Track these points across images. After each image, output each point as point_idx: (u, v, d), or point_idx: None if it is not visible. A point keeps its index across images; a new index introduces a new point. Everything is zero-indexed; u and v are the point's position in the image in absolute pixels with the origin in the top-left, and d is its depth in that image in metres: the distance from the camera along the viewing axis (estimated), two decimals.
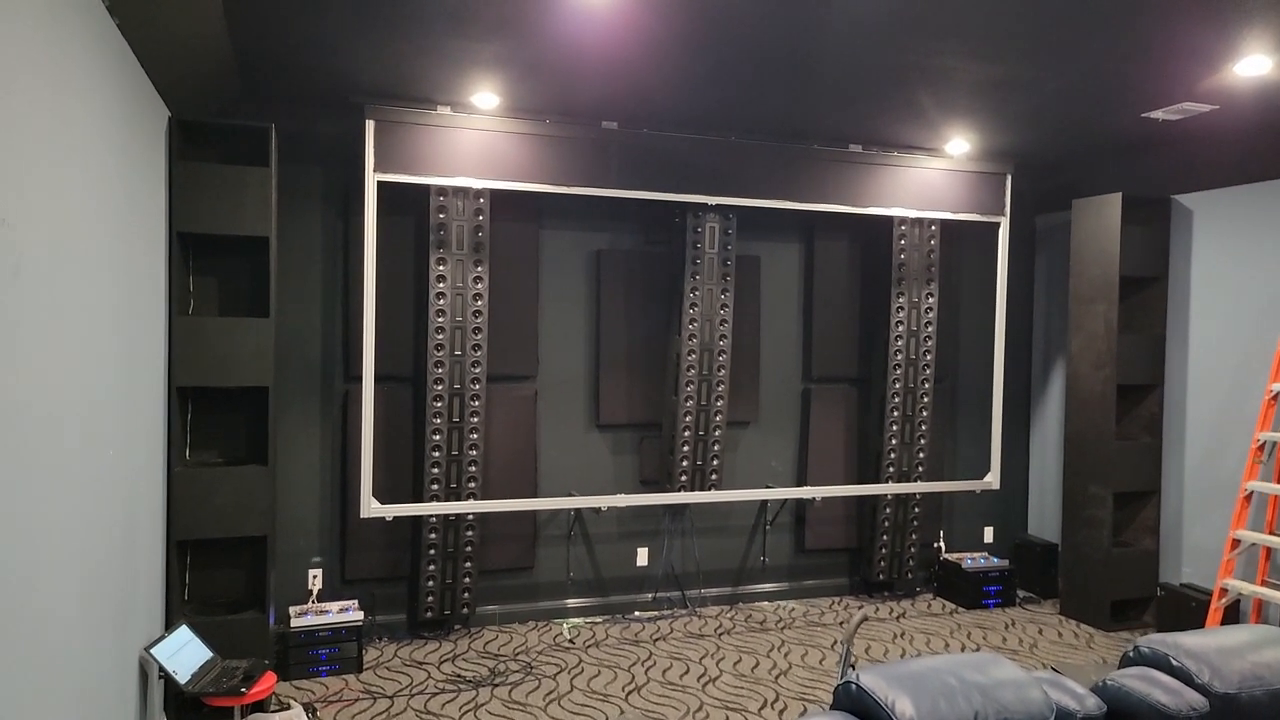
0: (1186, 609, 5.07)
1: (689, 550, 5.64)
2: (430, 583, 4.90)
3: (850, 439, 6.00)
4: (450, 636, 5.03)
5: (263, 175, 4.08)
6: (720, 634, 5.22)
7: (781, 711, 4.20)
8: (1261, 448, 4.76)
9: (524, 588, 5.32)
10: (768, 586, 5.86)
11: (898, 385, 5.75)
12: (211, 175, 3.99)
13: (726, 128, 5.10)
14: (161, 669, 3.39)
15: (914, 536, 5.92)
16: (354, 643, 4.52)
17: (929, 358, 5.81)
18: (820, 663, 4.81)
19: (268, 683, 3.70)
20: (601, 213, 5.34)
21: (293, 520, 4.82)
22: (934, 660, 2.05)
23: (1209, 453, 5.28)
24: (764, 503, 5.77)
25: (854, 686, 1.93)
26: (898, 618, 5.60)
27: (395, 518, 4.79)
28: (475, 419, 4.86)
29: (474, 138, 4.68)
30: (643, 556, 5.57)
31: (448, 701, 4.22)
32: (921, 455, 5.84)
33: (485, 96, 4.48)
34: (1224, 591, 4.77)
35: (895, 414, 5.77)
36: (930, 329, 5.80)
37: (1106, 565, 5.42)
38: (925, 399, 5.82)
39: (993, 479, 5.90)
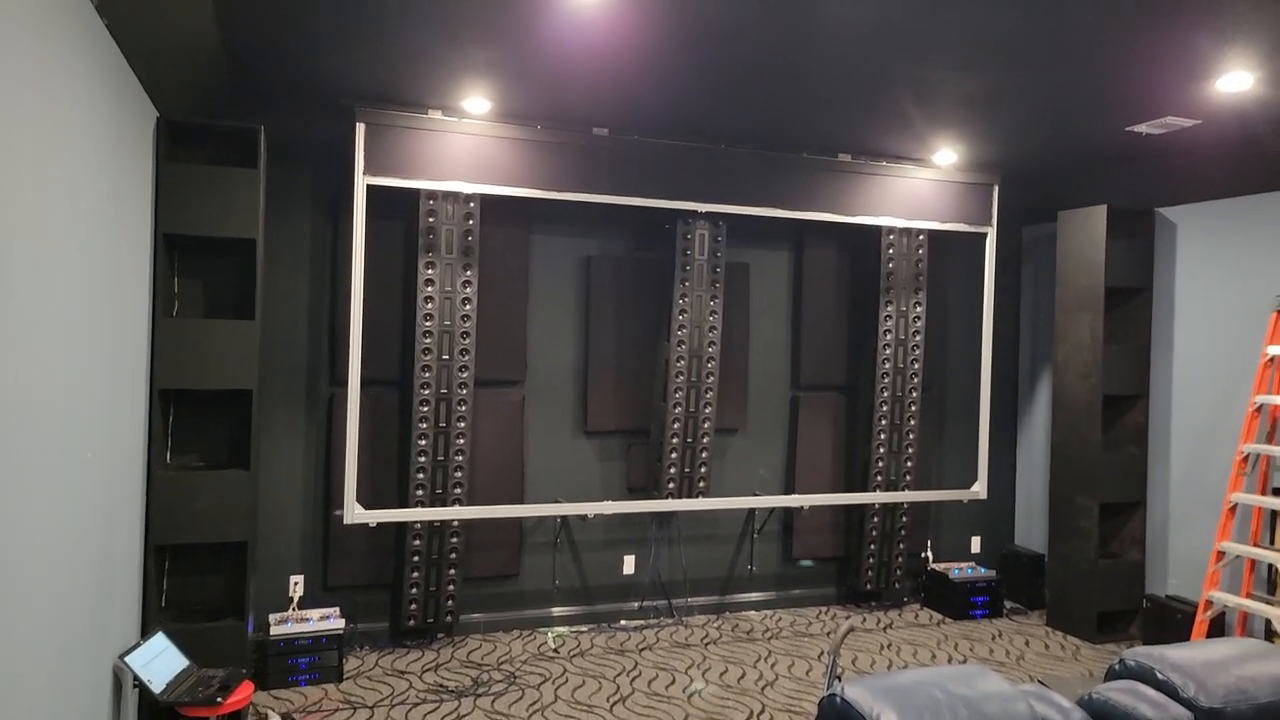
0: (1172, 621, 5.08)
1: (676, 558, 5.62)
2: (413, 590, 4.86)
3: (838, 447, 5.99)
4: (433, 645, 4.98)
5: (251, 177, 4.04)
6: (707, 644, 5.20)
7: None
8: (1246, 459, 4.78)
9: (509, 596, 5.29)
10: (755, 596, 5.84)
11: (885, 394, 5.76)
12: (199, 176, 3.95)
13: (716, 136, 5.10)
14: (136, 678, 3.33)
15: (901, 546, 5.92)
16: (334, 651, 4.46)
17: (917, 366, 5.82)
18: (807, 674, 4.79)
19: (245, 692, 3.65)
20: (592, 219, 5.33)
21: (274, 526, 4.77)
22: (919, 673, 2.04)
23: (1194, 464, 5.31)
24: (752, 511, 5.76)
25: (839, 699, 1.91)
26: (885, 628, 5.59)
27: (379, 524, 4.74)
28: (462, 424, 4.83)
29: (465, 142, 4.66)
30: (629, 564, 5.54)
31: (429, 712, 4.18)
32: (909, 464, 5.84)
33: (477, 101, 4.47)
34: (1209, 604, 4.78)
35: (883, 423, 5.77)
36: (918, 338, 5.81)
37: (1093, 576, 5.43)
38: (913, 408, 5.83)
39: (980, 489, 5.91)
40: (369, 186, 4.51)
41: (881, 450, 5.78)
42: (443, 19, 3.33)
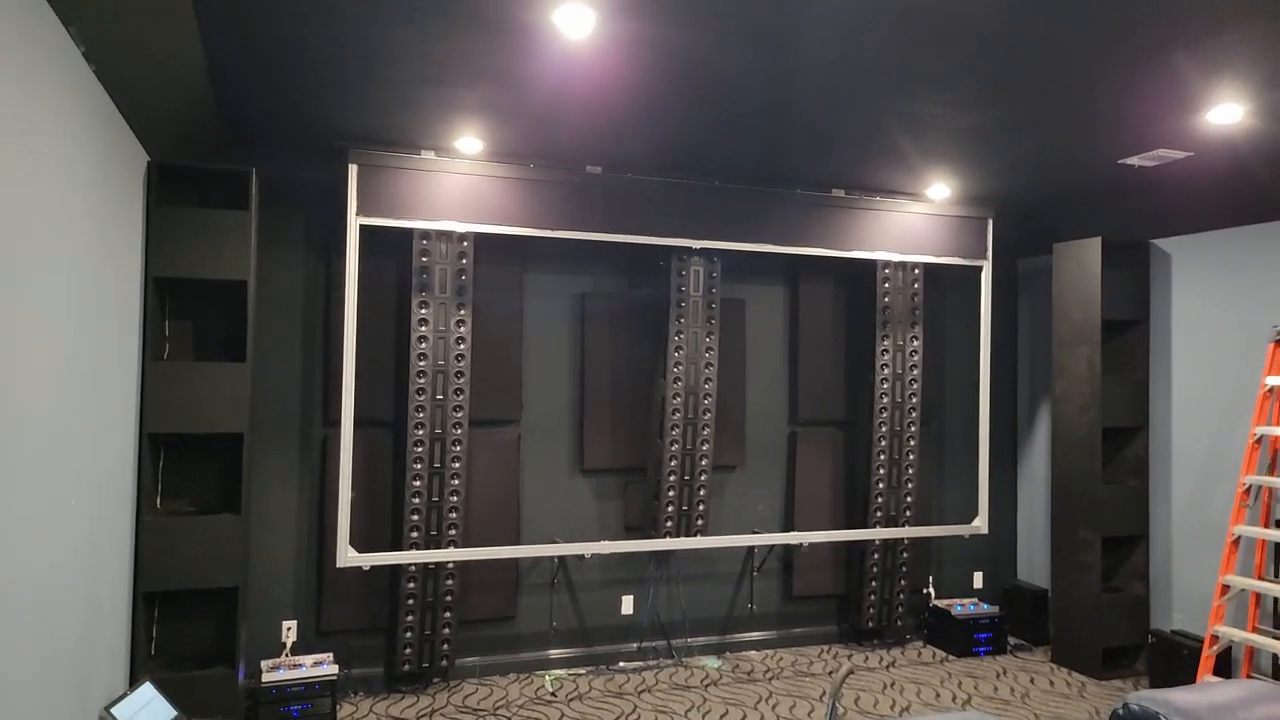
0: (1178, 657, 4.99)
1: (675, 598, 5.53)
2: (408, 634, 4.78)
3: (837, 483, 5.94)
4: (428, 690, 4.89)
5: (242, 219, 4.04)
6: (707, 685, 5.10)
7: None
8: (1248, 491, 4.73)
9: (505, 638, 5.20)
10: (755, 635, 5.75)
11: (884, 428, 5.72)
12: (190, 219, 3.95)
13: (710, 172, 5.12)
14: None
15: (903, 582, 5.84)
16: (328, 698, 4.37)
17: (914, 400, 5.78)
18: (809, 715, 4.69)
19: None
20: (586, 256, 5.32)
21: (267, 570, 4.70)
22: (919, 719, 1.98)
23: (1196, 496, 5.26)
24: (751, 548, 5.69)
25: None
26: (887, 666, 5.50)
27: (373, 567, 4.67)
28: (457, 464, 4.78)
29: (458, 182, 4.67)
30: (628, 605, 5.46)
31: None
32: (909, 499, 5.79)
33: (469, 141, 4.48)
34: (1215, 639, 4.71)
35: (882, 457, 5.72)
36: (915, 372, 5.79)
37: (1097, 611, 5.35)
38: (912, 442, 5.78)
39: (981, 523, 5.85)
40: (362, 227, 4.51)
41: (881, 485, 5.73)
42: (433, 61, 3.35)
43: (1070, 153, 4.60)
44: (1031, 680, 5.31)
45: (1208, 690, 2.32)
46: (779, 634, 5.80)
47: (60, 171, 2.56)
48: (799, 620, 5.87)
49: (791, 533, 5.68)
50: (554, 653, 5.29)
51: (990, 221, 5.81)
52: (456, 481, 4.78)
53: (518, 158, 4.76)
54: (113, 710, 3.26)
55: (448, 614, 4.85)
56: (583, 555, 5.15)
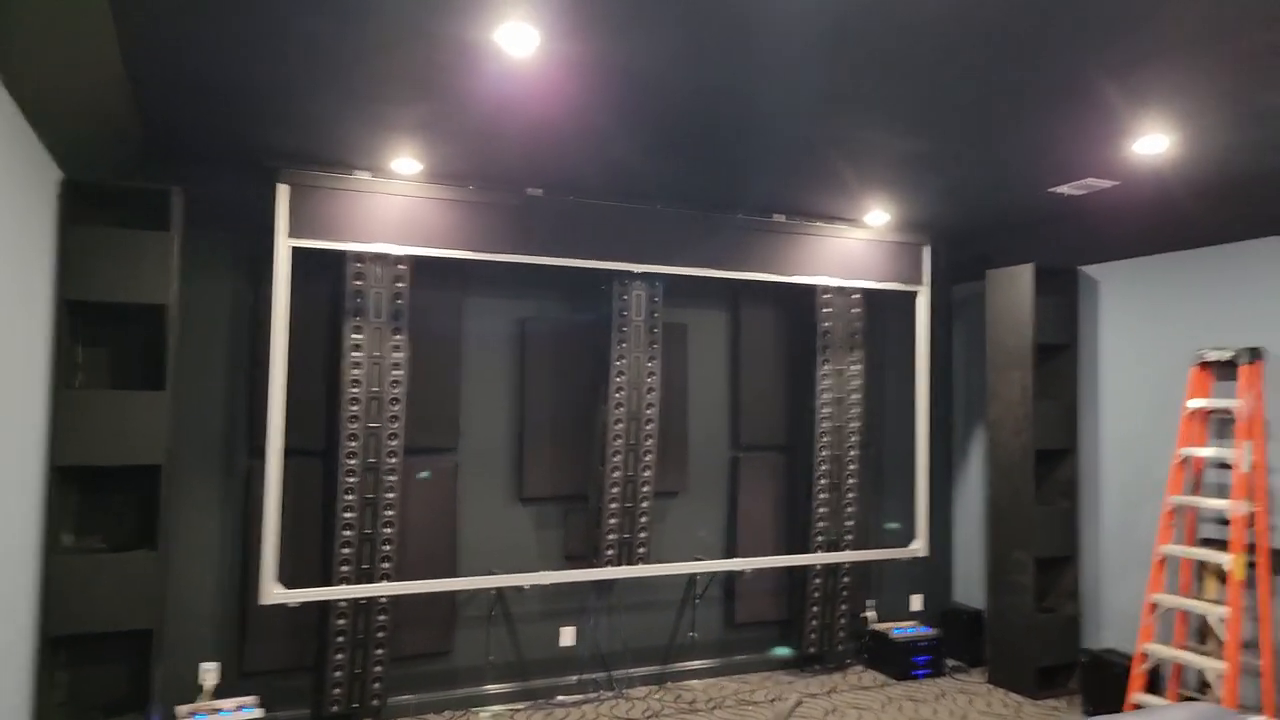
0: (1110, 675, 5.08)
1: (616, 628, 5.43)
2: (338, 673, 4.57)
3: (779, 507, 5.92)
4: None
5: (163, 240, 3.85)
6: (649, 716, 5.00)
7: None
8: (1173, 511, 4.86)
9: (440, 674, 5.02)
10: (697, 664, 5.67)
11: (825, 453, 5.73)
12: (107, 239, 3.74)
13: (652, 196, 5.09)
14: None
15: (844, 607, 5.84)
16: None
17: (855, 425, 5.82)
18: None
19: None
20: (526, 280, 5.23)
21: (185, 610, 4.45)
22: None
23: (1124, 517, 5.39)
24: (693, 576, 5.62)
25: None
26: (829, 692, 5.48)
27: (301, 604, 4.46)
28: (391, 494, 4.61)
29: (394, 203, 4.54)
30: (567, 636, 5.33)
31: None
32: (849, 524, 5.80)
33: (406, 162, 4.36)
34: (1145, 656, 4.81)
35: (823, 481, 5.73)
36: (856, 396, 5.83)
37: (1031, 632, 5.43)
38: (852, 466, 5.81)
39: (919, 546, 5.90)
40: (292, 249, 4.34)
41: (822, 510, 5.73)
42: (368, 78, 3.24)
43: (1003, 181, 4.70)
44: (970, 701, 5.34)
45: (1155, 714, 2.34)
46: (721, 662, 5.74)
47: None
48: (741, 647, 5.81)
49: (734, 559, 5.64)
50: (491, 688, 5.12)
51: (927, 248, 5.91)
52: (390, 512, 4.61)
53: (456, 179, 4.66)
54: None
55: (380, 651, 4.66)
56: (522, 586, 5.01)
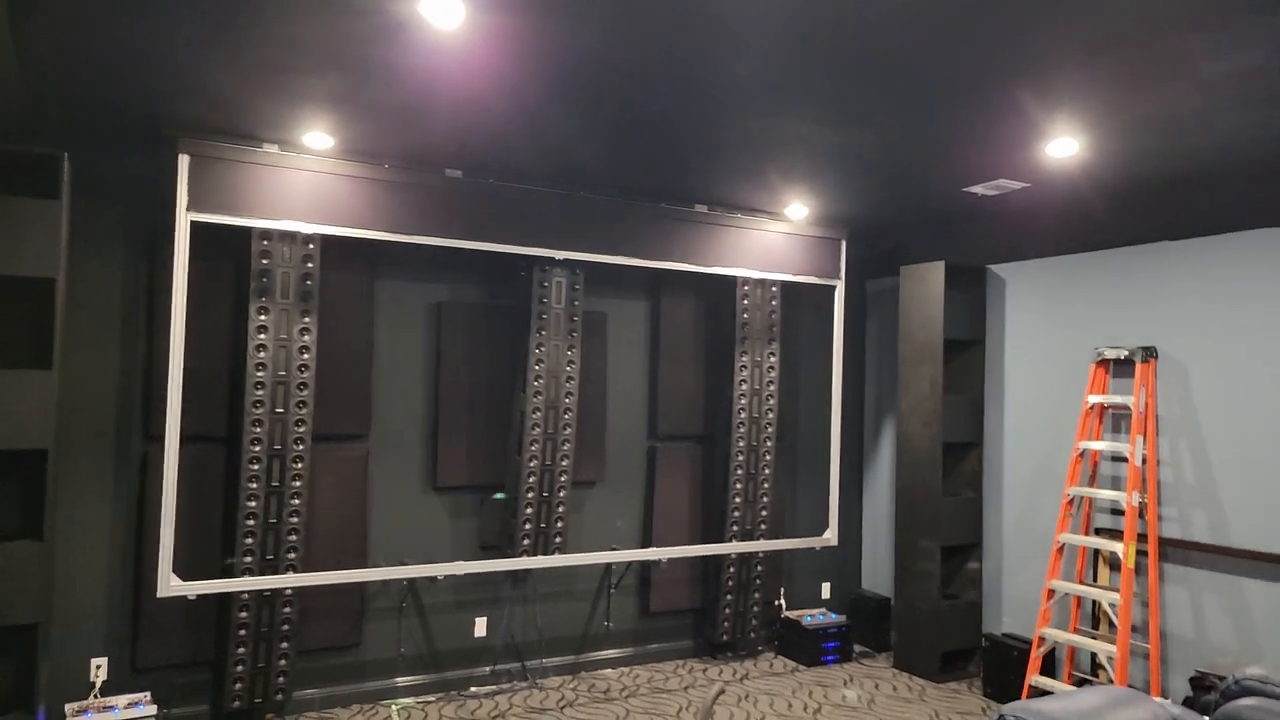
0: (1009, 658, 5.29)
1: (531, 618, 5.37)
2: (239, 667, 4.39)
3: (695, 497, 5.96)
4: None
5: (51, 209, 3.61)
6: (563, 706, 4.97)
7: None
8: (1071, 502, 5.08)
9: (349, 667, 4.88)
10: (611, 653, 5.67)
11: (741, 443, 5.78)
12: None
13: (576, 182, 5.02)
14: None
15: (757, 595, 5.92)
16: None
17: (771, 416, 5.89)
18: None
19: None
20: (443, 263, 5.10)
21: (74, 603, 4.21)
22: None
23: (1025, 507, 5.60)
24: (609, 565, 5.60)
25: None
26: (741, 679, 5.54)
27: (200, 596, 4.26)
28: (298, 482, 4.44)
29: (304, 179, 4.35)
30: (481, 626, 5.25)
31: None
32: (764, 513, 5.88)
33: (318, 136, 4.18)
34: (1042, 640, 5.01)
35: (739, 472, 5.78)
36: (772, 388, 5.89)
37: (935, 617, 5.61)
38: (768, 457, 5.88)
39: (831, 535, 6.01)
40: (193, 223, 4.12)
41: (738, 500, 5.78)
42: (277, 45, 3.07)
43: (919, 178, 4.80)
44: (876, 686, 5.48)
45: (1074, 698, 2.45)
46: (635, 650, 5.75)
47: None
48: (655, 636, 5.83)
49: (649, 549, 5.64)
50: (402, 680, 5.01)
51: (844, 243, 6.01)
52: (297, 501, 4.44)
53: (372, 157, 4.50)
54: None
55: (285, 644, 4.49)
56: (435, 577, 4.91)
